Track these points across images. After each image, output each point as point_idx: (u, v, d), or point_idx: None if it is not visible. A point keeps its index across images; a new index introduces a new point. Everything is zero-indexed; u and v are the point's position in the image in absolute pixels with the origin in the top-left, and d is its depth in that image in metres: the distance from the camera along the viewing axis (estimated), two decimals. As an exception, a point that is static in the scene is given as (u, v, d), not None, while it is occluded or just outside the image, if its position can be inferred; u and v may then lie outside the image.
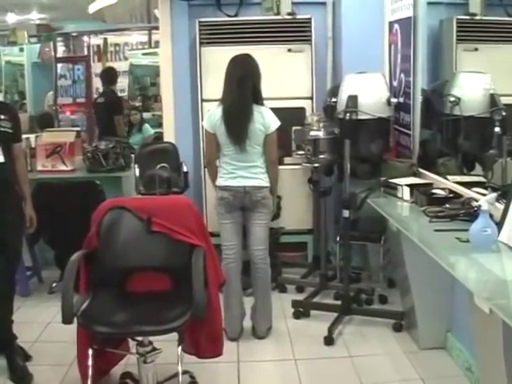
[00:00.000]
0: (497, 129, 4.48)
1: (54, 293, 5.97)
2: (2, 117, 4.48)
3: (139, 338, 3.88)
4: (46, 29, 13.13)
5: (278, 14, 6.38)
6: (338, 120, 5.22)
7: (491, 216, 3.35)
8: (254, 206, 4.88)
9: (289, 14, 6.35)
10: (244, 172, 4.84)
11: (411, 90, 5.23)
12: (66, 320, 3.60)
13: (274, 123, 4.80)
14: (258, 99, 4.83)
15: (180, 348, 3.77)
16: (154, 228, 4.01)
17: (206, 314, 3.72)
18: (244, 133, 4.76)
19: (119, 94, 10.09)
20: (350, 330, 5.14)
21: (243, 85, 4.78)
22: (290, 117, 6.03)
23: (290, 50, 6.39)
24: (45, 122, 9.52)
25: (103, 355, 4.03)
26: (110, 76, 9.52)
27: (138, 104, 11.17)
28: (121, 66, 11.29)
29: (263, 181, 4.86)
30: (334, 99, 5.41)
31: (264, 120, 4.77)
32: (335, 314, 5.15)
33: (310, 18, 6.38)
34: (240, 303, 5.08)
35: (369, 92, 5.10)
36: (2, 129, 4.45)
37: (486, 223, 3.27)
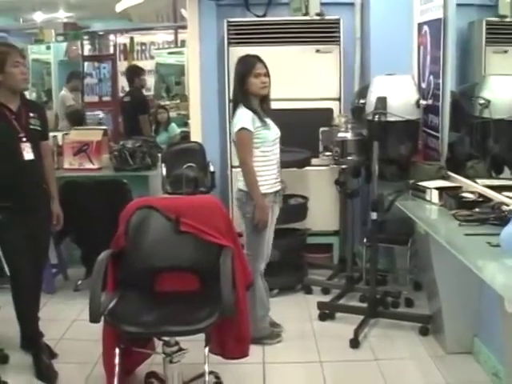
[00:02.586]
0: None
1: (79, 290, 6.03)
2: (31, 115, 4.52)
3: (166, 338, 3.88)
4: (72, 27, 13.19)
5: (307, 14, 6.38)
6: (366, 122, 5.20)
7: (523, 221, 3.32)
8: (237, 207, 4.92)
9: (317, 14, 6.34)
10: None
11: (440, 92, 5.19)
12: (94, 319, 3.60)
13: (238, 124, 4.65)
14: (239, 100, 4.76)
15: (207, 349, 3.77)
16: (183, 228, 4.01)
17: (233, 315, 3.72)
18: (231, 134, 4.84)
19: (145, 93, 10.08)
20: (376, 332, 5.12)
21: (233, 87, 4.86)
22: (318, 118, 6.05)
23: (318, 51, 6.37)
24: (76, 118, 9.54)
25: (129, 354, 4.02)
26: (131, 73, 9.51)
27: (164, 103, 11.15)
28: (147, 64, 11.30)
29: (241, 183, 4.79)
30: (362, 100, 5.39)
31: (233, 121, 4.73)
32: (361, 317, 5.12)
33: (338, 19, 6.37)
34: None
35: (398, 94, 5.07)
36: (32, 126, 4.49)
37: (517, 228, 3.24)
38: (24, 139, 4.40)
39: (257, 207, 4.67)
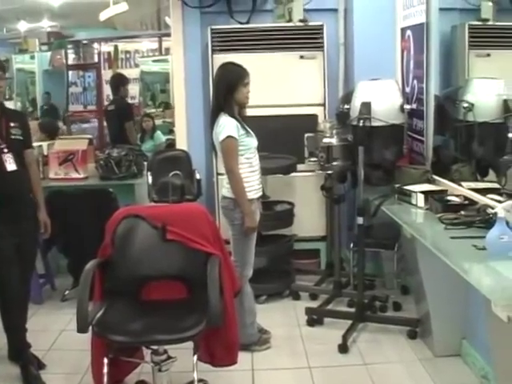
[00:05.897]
0: (511, 134, 4.44)
1: (66, 300, 5.99)
2: (12, 124, 4.49)
3: (154, 347, 3.87)
4: (56, 36, 13.19)
5: (290, 20, 6.40)
6: (351, 127, 5.21)
7: (507, 223, 3.33)
8: (223, 215, 4.90)
9: (301, 20, 6.36)
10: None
11: (424, 96, 5.21)
12: (82, 329, 3.60)
13: (223, 133, 4.62)
14: (222, 107, 4.72)
15: (196, 357, 3.76)
16: (169, 236, 4.00)
17: (221, 323, 3.72)
18: (213, 141, 4.82)
19: (130, 101, 10.06)
20: (365, 337, 5.12)
21: (213, 94, 4.89)
22: (303, 124, 6.08)
23: (302, 57, 6.39)
24: (50, 129, 9.50)
25: (117, 364, 4.01)
26: (117, 82, 9.46)
27: (150, 111, 11.15)
28: (131, 72, 11.30)
29: (226, 190, 4.79)
30: (346, 106, 5.39)
31: (216, 129, 4.70)
32: (349, 322, 5.12)
33: (321, 25, 6.38)
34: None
35: (382, 99, 5.08)
36: (13, 136, 4.46)
37: (502, 230, 3.25)
38: (5, 150, 4.37)
39: (245, 215, 4.66)
